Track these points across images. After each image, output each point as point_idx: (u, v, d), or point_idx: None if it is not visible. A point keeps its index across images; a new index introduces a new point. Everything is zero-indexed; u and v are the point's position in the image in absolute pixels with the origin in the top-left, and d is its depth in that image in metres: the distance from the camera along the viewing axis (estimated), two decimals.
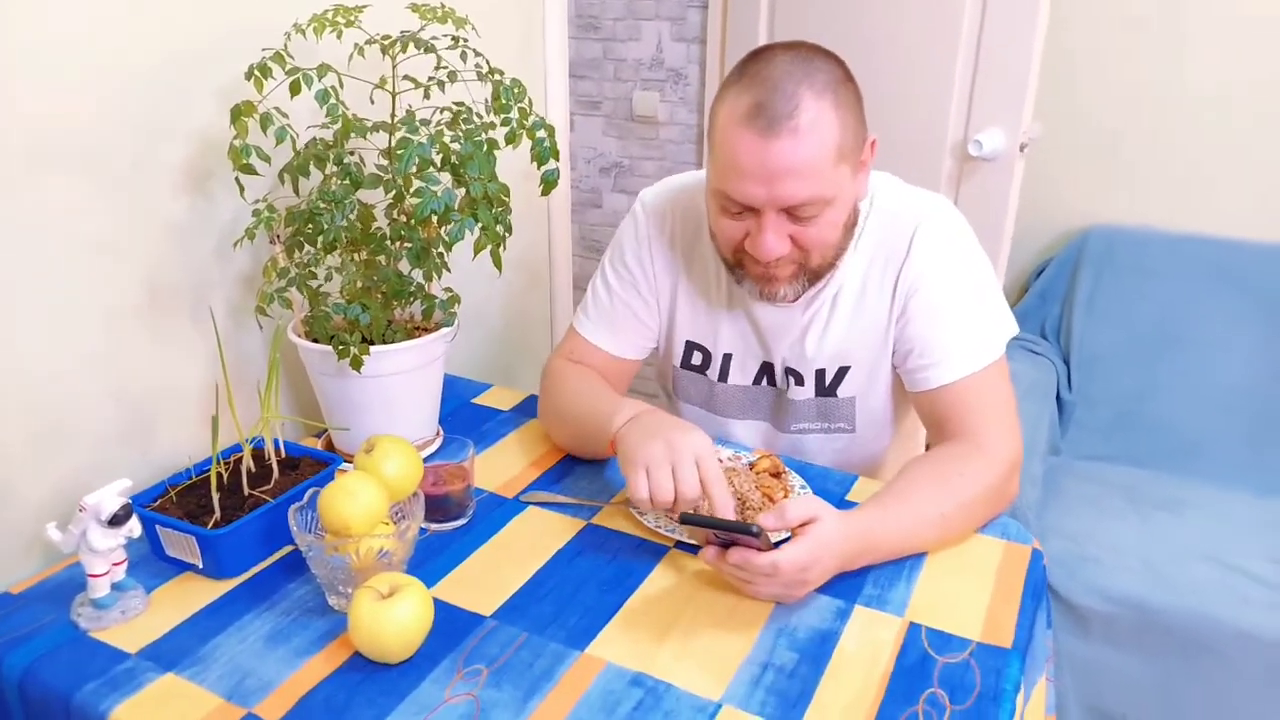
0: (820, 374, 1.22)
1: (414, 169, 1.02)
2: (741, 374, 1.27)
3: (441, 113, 1.13)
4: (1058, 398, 2.08)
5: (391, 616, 0.84)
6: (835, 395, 1.23)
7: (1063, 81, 2.13)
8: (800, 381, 1.23)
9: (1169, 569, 1.63)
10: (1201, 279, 2.03)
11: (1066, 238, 2.21)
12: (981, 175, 2.03)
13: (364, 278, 1.08)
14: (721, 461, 1.15)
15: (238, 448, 1.08)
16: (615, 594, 0.97)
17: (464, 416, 1.35)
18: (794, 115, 0.98)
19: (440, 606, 0.93)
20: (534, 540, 1.06)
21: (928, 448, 1.19)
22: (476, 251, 1.06)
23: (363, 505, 0.88)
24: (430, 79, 1.06)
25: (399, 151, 1.01)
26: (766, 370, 1.26)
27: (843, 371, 1.21)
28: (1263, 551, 1.69)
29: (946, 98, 2.03)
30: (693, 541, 1.03)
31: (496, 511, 1.12)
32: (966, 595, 0.97)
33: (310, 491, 0.96)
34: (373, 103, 1.14)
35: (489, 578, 1.00)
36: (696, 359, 1.29)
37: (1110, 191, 2.19)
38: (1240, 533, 1.75)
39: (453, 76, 1.05)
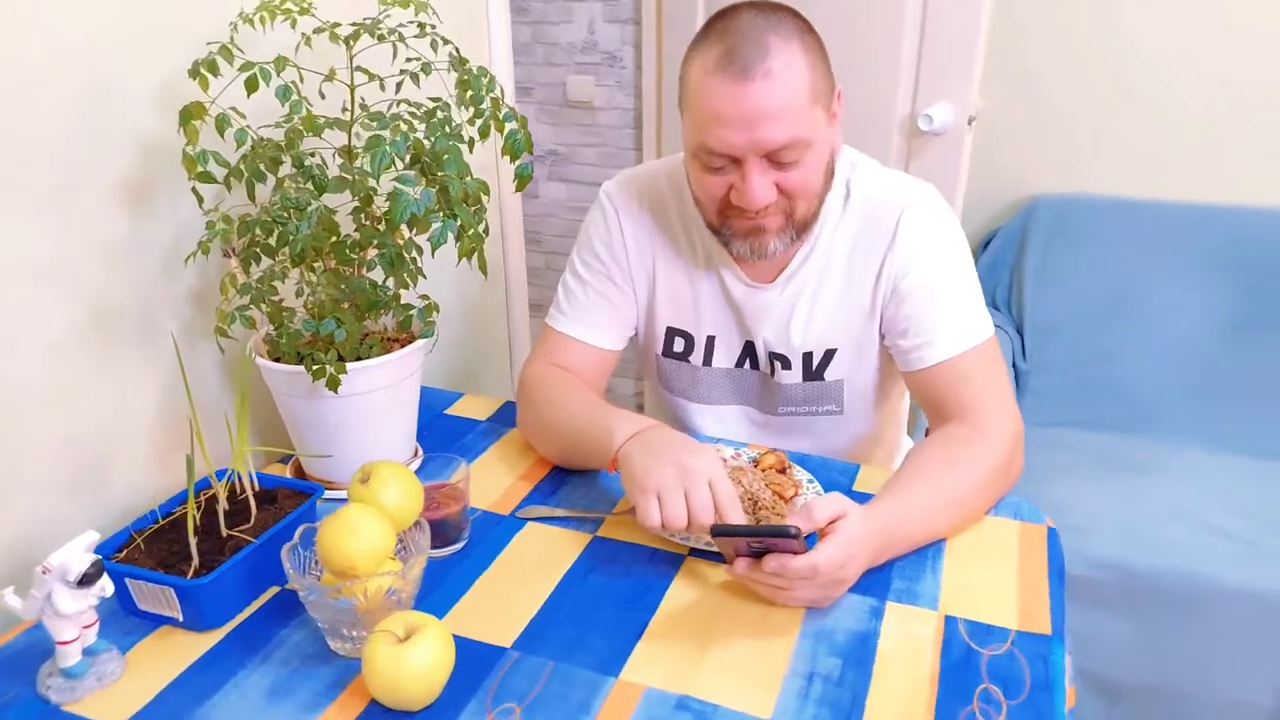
0: (808, 357, 1.20)
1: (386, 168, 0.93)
2: (725, 357, 1.25)
3: (397, 105, 1.05)
4: (1013, 366, 2.10)
5: (412, 661, 0.77)
6: (823, 378, 1.21)
7: (1003, 55, 2.14)
8: (787, 365, 1.20)
9: (1145, 530, 1.66)
10: (1147, 243, 2.07)
11: (1013, 208, 2.23)
12: (931, 149, 2.02)
13: (335, 290, 0.99)
14: (725, 461, 1.11)
15: (204, 483, 0.98)
16: (638, 611, 0.92)
17: (439, 430, 1.27)
18: (765, 58, 0.98)
19: (456, 642, 0.86)
20: (540, 559, 1.00)
21: (927, 432, 1.17)
22: (462, 256, 0.98)
23: (368, 542, 0.81)
24: (403, 71, 0.98)
25: (370, 150, 0.92)
26: (749, 352, 1.23)
27: (830, 354, 1.19)
28: (1227, 506, 1.73)
29: (894, 74, 2.01)
30: (709, 548, 0.98)
31: (494, 531, 1.05)
32: (995, 582, 0.95)
33: (301, 528, 0.88)
34: (323, 97, 1.05)
35: (500, 604, 0.93)
36: (679, 345, 1.26)
37: (1054, 161, 2.21)
38: (1203, 490, 1.79)
39: (426, 69, 0.97)
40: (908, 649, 0.86)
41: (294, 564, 0.84)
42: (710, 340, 1.24)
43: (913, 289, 1.12)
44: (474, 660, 0.85)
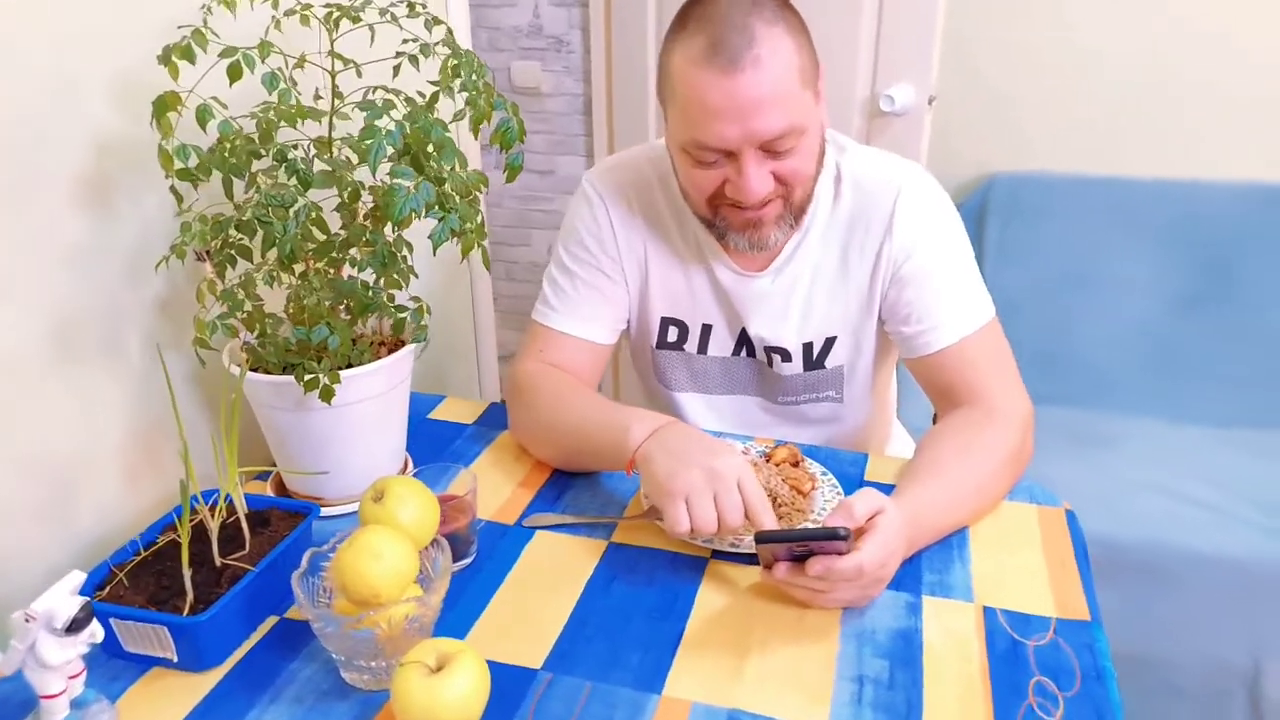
0: (808, 347, 1.17)
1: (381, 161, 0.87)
2: (720, 345, 1.21)
3: (374, 92, 0.97)
4: None
5: (449, 693, 0.71)
6: (824, 366, 1.18)
7: (955, 36, 2.14)
8: (787, 358, 1.18)
9: (1117, 502, 1.68)
10: (1102, 219, 2.10)
11: (969, 187, 2.24)
12: (892, 130, 2.02)
13: (328, 293, 0.92)
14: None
15: (174, 513, 0.90)
16: (669, 621, 0.87)
17: (425, 437, 1.20)
18: (753, 45, 0.94)
19: None
20: (556, 571, 0.95)
21: (934, 419, 1.16)
22: (465, 253, 0.92)
23: (392, 566, 0.75)
24: (399, 53, 0.90)
25: (365, 142, 0.85)
26: (744, 340, 1.20)
27: (830, 342, 1.17)
28: (1193, 475, 1.77)
29: (854, 56, 2.00)
30: (733, 549, 0.94)
31: (502, 543, 1.00)
32: (1024, 568, 0.94)
33: (309, 553, 0.81)
34: (295, 85, 0.97)
35: (522, 622, 0.88)
36: (673, 335, 1.22)
37: (1008, 141, 2.22)
38: (1168, 460, 1.83)
39: (426, 50, 0.90)
40: (954, 645, 0.83)
41: (306, 592, 0.78)
42: (706, 329, 1.20)
43: (914, 273, 1.10)
44: (505, 684, 0.79)
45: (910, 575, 0.93)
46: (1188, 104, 2.09)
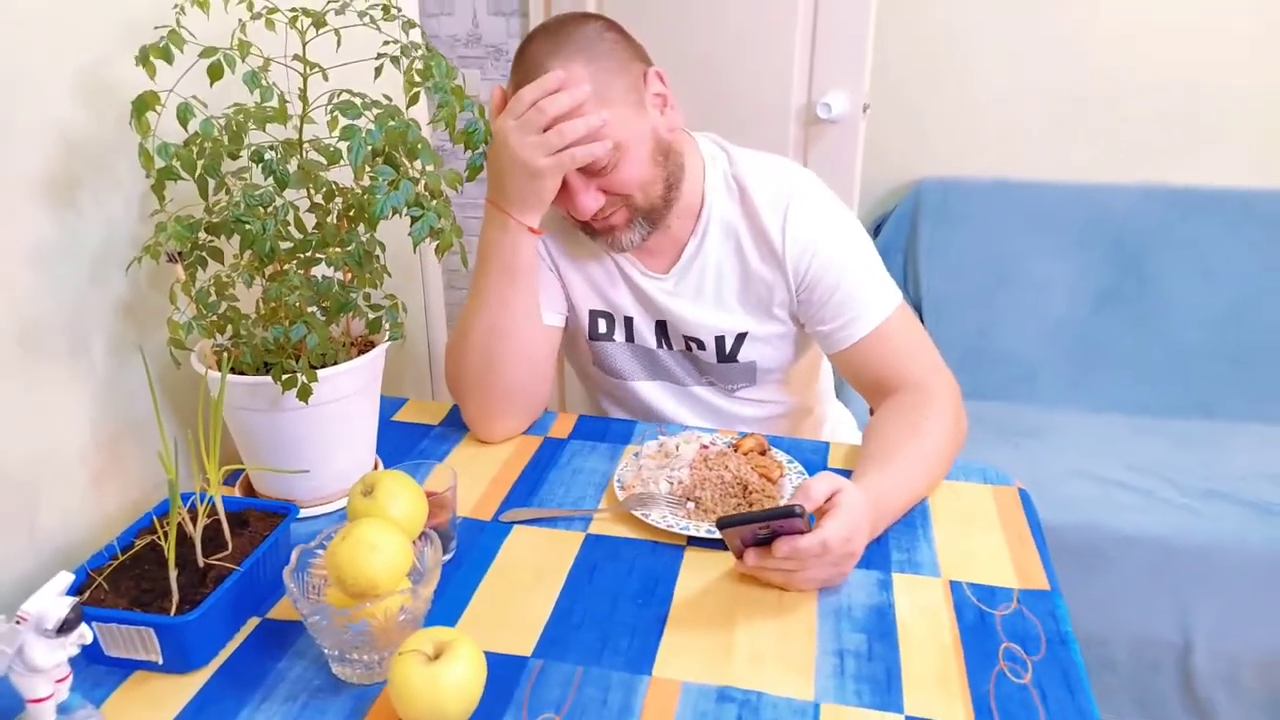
0: (720, 340, 1.22)
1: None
2: (644, 335, 1.25)
3: (339, 96, 0.98)
4: None
5: (449, 679, 0.72)
6: (737, 360, 1.23)
7: (882, 46, 2.22)
8: (702, 347, 1.23)
9: (1050, 489, 1.77)
10: (1024, 221, 2.21)
11: (901, 192, 2.33)
12: (828, 137, 2.08)
13: (307, 292, 0.92)
14: (706, 447, 1.10)
15: (160, 510, 0.89)
16: (653, 606, 0.90)
17: (391, 438, 1.20)
18: None
19: None
20: (538, 563, 0.96)
21: (871, 411, 1.20)
22: (443, 252, 0.93)
23: (388, 559, 0.75)
24: (379, 55, 0.91)
25: (344, 142, 0.86)
26: (662, 331, 1.24)
27: (741, 338, 1.22)
28: (1116, 461, 1.87)
29: (788, 65, 2.06)
30: (710, 535, 0.97)
31: (480, 538, 1.01)
32: (985, 544, 0.99)
33: (298, 549, 0.81)
34: (267, 85, 0.96)
35: (508, 612, 0.89)
36: (602, 326, 1.26)
37: (935, 147, 2.32)
38: (1091, 448, 1.93)
39: (406, 51, 0.91)
40: (927, 617, 0.88)
41: (299, 586, 0.78)
42: (628, 320, 1.25)
43: (820, 274, 1.15)
44: (498, 672, 0.80)
45: (879, 554, 0.97)
46: (1099, 111, 2.22)
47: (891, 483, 1.01)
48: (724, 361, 1.23)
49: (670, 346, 1.25)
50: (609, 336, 1.26)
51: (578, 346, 1.31)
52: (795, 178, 1.18)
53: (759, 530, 0.88)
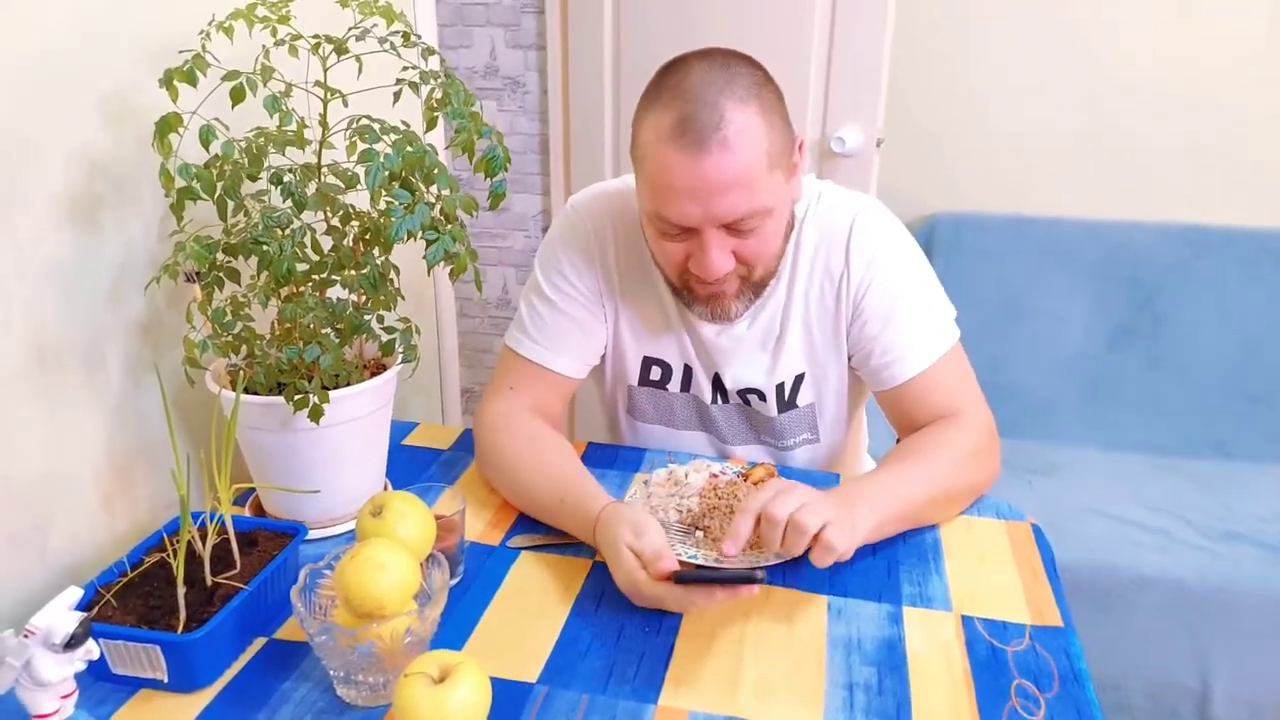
0: (780, 388, 1.19)
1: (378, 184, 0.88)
2: (700, 386, 1.22)
3: (358, 121, 0.99)
4: None
5: (455, 702, 0.71)
6: (796, 405, 1.21)
7: (898, 81, 2.24)
8: (763, 398, 1.20)
9: (1065, 528, 1.74)
10: (1037, 257, 2.20)
11: (914, 228, 2.31)
12: (842, 171, 2.09)
13: (323, 313, 0.92)
14: (716, 476, 1.10)
15: (171, 528, 0.89)
16: (660, 635, 0.89)
17: (401, 462, 1.20)
18: (720, 127, 0.93)
19: None
20: (544, 589, 0.96)
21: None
22: (457, 274, 0.94)
23: (397, 578, 0.75)
24: (399, 80, 0.93)
25: (362, 166, 0.87)
26: (719, 385, 1.21)
27: (799, 379, 1.19)
28: (1133, 500, 1.85)
29: (803, 99, 2.07)
30: (714, 565, 0.96)
31: (488, 563, 1.00)
32: (998, 580, 0.98)
33: (306, 569, 0.81)
34: (294, 111, 0.98)
35: (514, 638, 0.88)
36: (656, 373, 1.23)
37: (948, 182, 2.33)
38: (1107, 487, 1.91)
39: (425, 77, 0.92)
40: (938, 651, 0.87)
41: (306, 606, 0.77)
42: (688, 370, 1.21)
43: (874, 306, 1.12)
44: (502, 698, 0.79)
45: (890, 587, 0.96)
46: (1115, 148, 2.22)
47: (875, 481, 1.02)
48: (784, 410, 1.20)
49: (725, 400, 1.22)
50: (662, 384, 1.23)
51: (620, 387, 1.27)
52: (859, 203, 1.14)
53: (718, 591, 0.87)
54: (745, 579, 0.83)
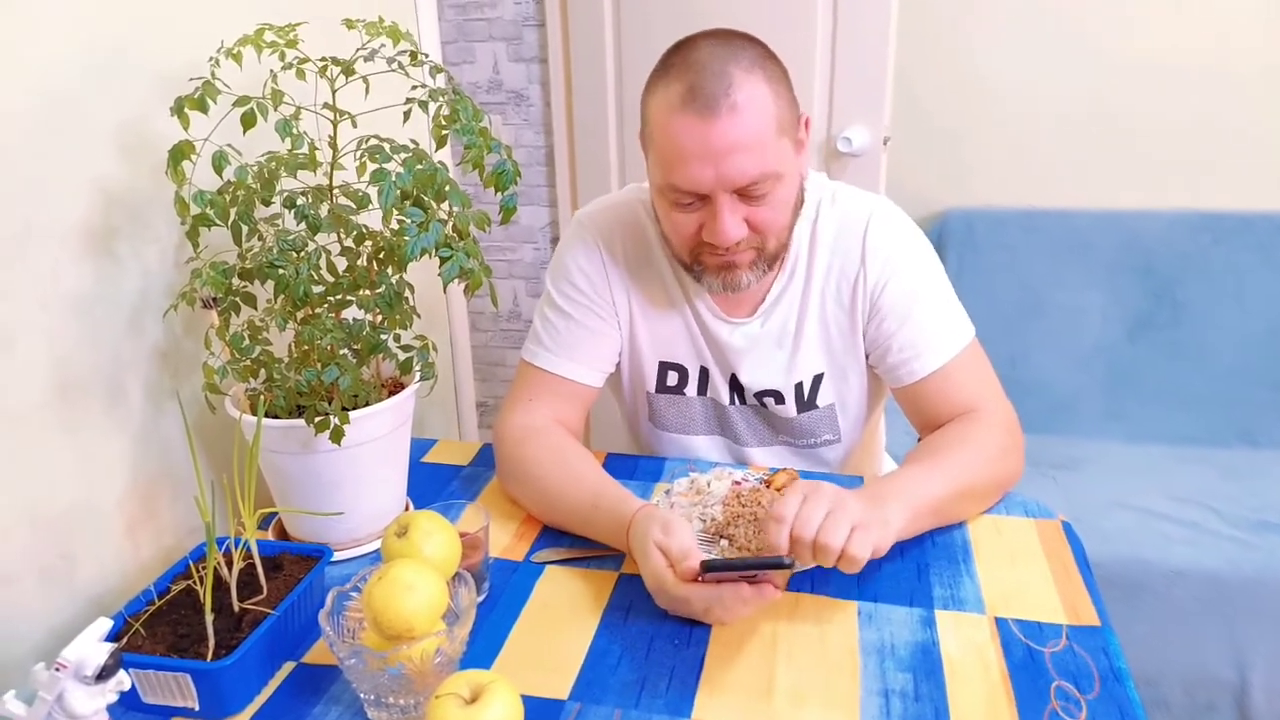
0: (799, 387, 1.19)
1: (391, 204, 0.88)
2: (717, 389, 1.22)
3: (367, 142, 0.99)
4: None
5: None
6: (816, 405, 1.20)
7: (905, 78, 2.23)
8: (780, 400, 1.19)
9: (1095, 523, 1.73)
10: (1052, 250, 2.19)
11: (925, 224, 2.31)
12: (850, 170, 2.08)
13: (340, 334, 0.92)
14: (739, 484, 1.09)
15: (196, 554, 0.89)
16: (690, 647, 0.88)
17: (421, 479, 1.20)
18: (729, 92, 0.96)
19: None
20: (571, 603, 0.95)
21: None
22: (472, 291, 0.93)
23: (425, 599, 0.74)
24: (408, 99, 0.92)
25: (374, 186, 0.87)
26: (736, 386, 1.21)
27: (818, 379, 1.19)
28: (1159, 492, 1.83)
29: (808, 101, 2.06)
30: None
31: (513, 579, 1.00)
32: (1031, 579, 0.96)
33: (334, 592, 0.80)
34: (305, 134, 0.98)
35: (543, 654, 0.88)
36: (672, 379, 1.23)
37: (958, 178, 2.31)
38: (1132, 479, 1.89)
39: (435, 95, 0.92)
40: (973, 655, 0.85)
41: (335, 629, 0.77)
42: (704, 372, 1.21)
43: (891, 304, 1.12)
44: (536, 715, 0.79)
45: (921, 591, 0.95)
46: (1126, 138, 2.20)
47: (898, 477, 1.01)
48: (804, 410, 1.20)
49: (743, 401, 1.22)
50: (679, 389, 1.23)
51: (637, 396, 1.27)
52: (873, 203, 1.15)
53: (748, 579, 0.86)
54: (775, 564, 0.83)
